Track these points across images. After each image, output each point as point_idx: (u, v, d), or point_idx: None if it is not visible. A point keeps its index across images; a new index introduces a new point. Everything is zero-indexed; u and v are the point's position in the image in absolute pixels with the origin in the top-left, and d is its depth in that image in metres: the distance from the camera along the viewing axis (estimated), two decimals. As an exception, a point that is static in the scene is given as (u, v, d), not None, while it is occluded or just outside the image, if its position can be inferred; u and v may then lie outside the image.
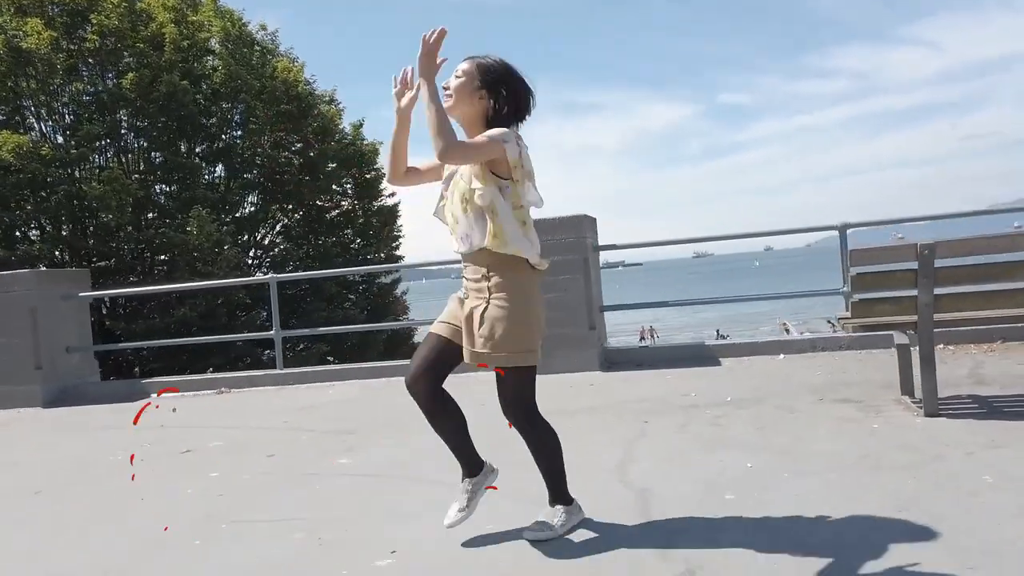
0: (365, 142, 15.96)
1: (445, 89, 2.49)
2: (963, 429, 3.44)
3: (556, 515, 2.61)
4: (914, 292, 3.66)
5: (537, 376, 2.58)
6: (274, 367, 7.54)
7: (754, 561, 2.24)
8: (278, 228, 15.50)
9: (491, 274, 2.46)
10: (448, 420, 2.64)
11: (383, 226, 16.20)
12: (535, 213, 2.59)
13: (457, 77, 2.50)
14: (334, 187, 15.42)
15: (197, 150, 14.37)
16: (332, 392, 6.38)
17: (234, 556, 2.70)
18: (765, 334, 31.67)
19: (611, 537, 2.53)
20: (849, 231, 6.03)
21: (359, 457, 4.01)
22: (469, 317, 2.48)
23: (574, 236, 6.10)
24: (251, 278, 12.01)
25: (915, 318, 3.69)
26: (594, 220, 6.53)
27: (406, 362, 7.72)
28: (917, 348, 3.77)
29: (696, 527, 2.55)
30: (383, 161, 2.66)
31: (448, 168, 2.58)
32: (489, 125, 2.49)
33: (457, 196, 2.48)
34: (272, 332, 7.34)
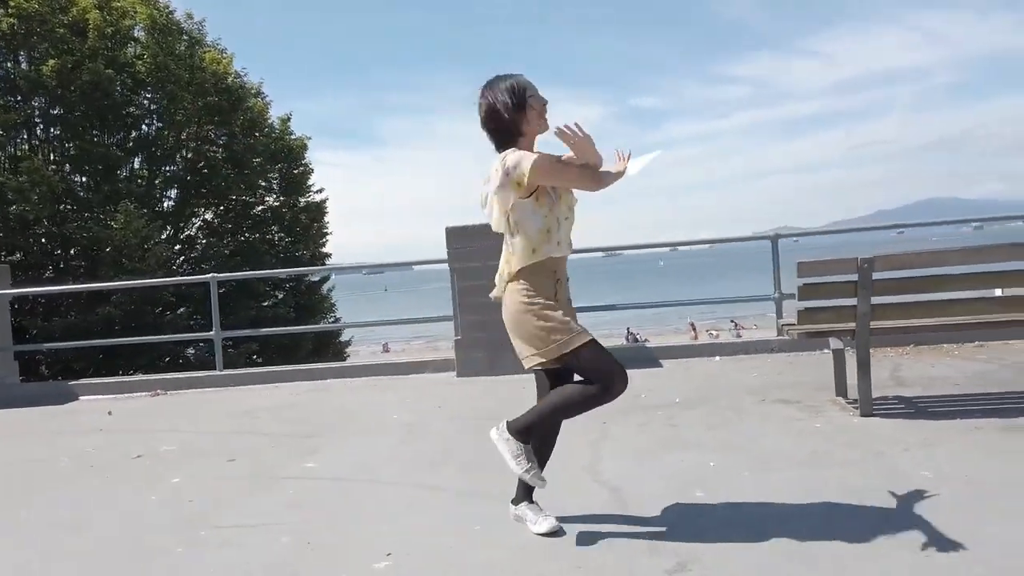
0: (293, 137, 15.65)
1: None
2: (896, 428, 3.78)
3: (533, 508, 2.81)
4: (849, 301, 3.99)
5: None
6: (202, 367, 7.38)
7: (740, 553, 2.44)
8: (198, 223, 15.01)
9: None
10: None
11: (311, 223, 15.93)
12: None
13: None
14: (260, 183, 15.05)
15: (113, 140, 13.76)
16: (278, 394, 6.32)
17: (226, 562, 2.71)
18: (673, 332, 32.79)
19: (599, 534, 2.69)
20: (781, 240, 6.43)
21: (326, 460, 4.04)
22: None
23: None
24: (190, 277, 11.63)
25: (853, 325, 4.02)
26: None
27: (350, 364, 7.71)
28: (853, 353, 4.10)
29: (676, 523, 2.74)
30: (605, 180, 3.00)
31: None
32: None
33: (566, 206, 2.76)
34: (211, 332, 7.19)
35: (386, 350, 37.58)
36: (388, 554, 2.66)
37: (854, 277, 3.92)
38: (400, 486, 3.46)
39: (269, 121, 15.26)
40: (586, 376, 2.63)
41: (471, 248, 6.20)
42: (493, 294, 2.81)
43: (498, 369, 6.09)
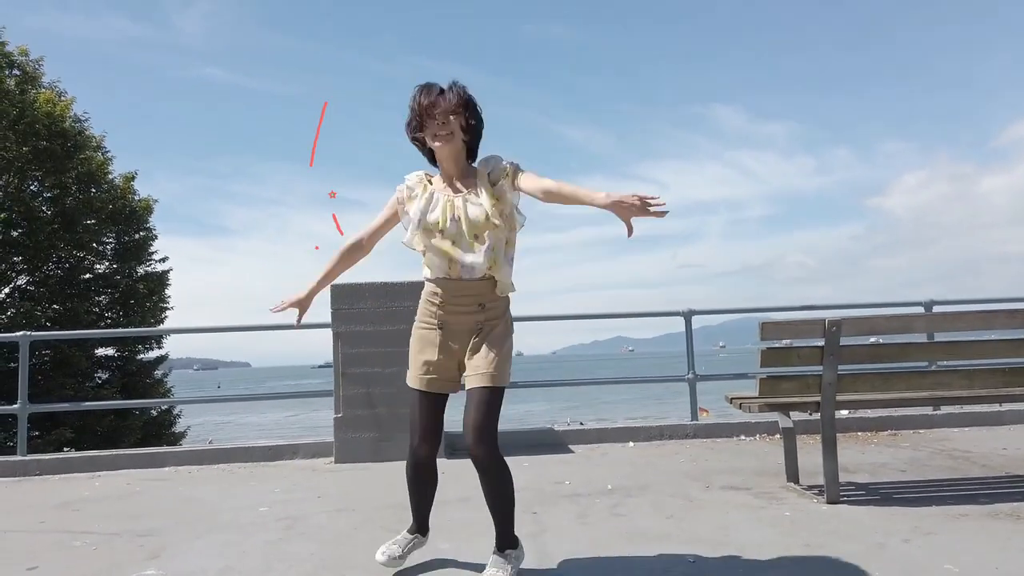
0: (137, 198, 14.02)
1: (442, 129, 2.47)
2: (877, 516, 3.30)
3: (509, 560, 2.57)
4: (813, 369, 3.57)
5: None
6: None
7: None
8: (13, 284, 12.82)
9: (487, 303, 2.54)
10: (434, 479, 2.75)
11: (149, 294, 14.12)
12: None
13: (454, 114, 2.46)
14: (93, 245, 13.22)
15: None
16: (99, 484, 5.01)
17: None
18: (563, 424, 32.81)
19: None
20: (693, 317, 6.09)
21: (173, 566, 2.97)
22: (473, 347, 2.51)
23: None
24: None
25: (818, 398, 3.57)
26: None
27: (199, 448, 6.41)
28: (794, 432, 3.65)
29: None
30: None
31: (438, 205, 2.54)
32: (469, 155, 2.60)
33: (467, 225, 2.49)
34: (16, 406, 5.72)
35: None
36: None
37: (820, 342, 3.50)
38: (288, 600, 2.50)
39: (110, 177, 13.60)
40: (493, 415, 2.53)
41: (359, 309, 5.35)
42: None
43: (383, 454, 5.16)
